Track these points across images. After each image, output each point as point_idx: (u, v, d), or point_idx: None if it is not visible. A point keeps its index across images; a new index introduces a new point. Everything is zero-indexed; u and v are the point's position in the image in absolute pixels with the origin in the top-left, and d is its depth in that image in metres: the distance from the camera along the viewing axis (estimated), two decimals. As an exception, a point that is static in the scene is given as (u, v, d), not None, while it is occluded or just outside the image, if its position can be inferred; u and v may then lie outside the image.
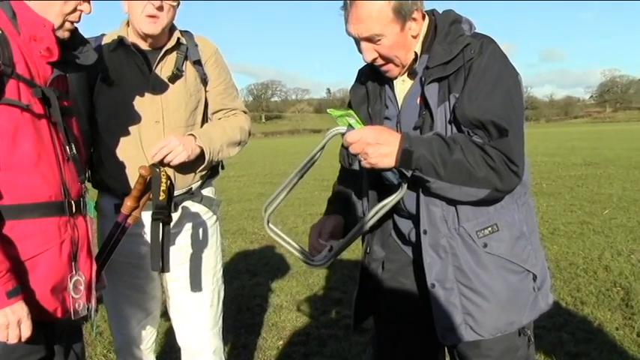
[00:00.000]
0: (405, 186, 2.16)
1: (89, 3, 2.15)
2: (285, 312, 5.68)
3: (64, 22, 2.10)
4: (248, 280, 6.72)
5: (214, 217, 3.14)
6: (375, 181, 2.35)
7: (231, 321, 5.15)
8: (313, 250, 2.41)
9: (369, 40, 2.19)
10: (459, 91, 2.12)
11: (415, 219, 2.28)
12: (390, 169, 2.13)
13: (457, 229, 2.19)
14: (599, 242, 7.85)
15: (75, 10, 2.11)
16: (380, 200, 2.28)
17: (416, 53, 2.26)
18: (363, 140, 2.05)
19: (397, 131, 2.27)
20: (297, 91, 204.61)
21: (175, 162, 2.78)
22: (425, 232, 2.23)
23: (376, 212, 2.25)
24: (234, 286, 6.41)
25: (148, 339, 3.15)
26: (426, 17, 2.29)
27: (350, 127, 2.09)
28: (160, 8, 2.74)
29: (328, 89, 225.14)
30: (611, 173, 16.58)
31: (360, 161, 2.14)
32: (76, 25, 2.16)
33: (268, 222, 2.40)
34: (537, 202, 11.33)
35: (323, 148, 2.21)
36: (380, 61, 2.26)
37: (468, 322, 2.22)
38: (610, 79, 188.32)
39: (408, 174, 2.12)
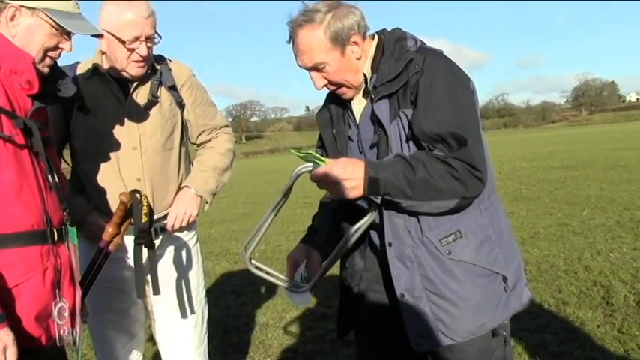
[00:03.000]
0: (374, 209, 2.24)
1: (71, 42, 2.22)
2: (272, 330, 5.70)
3: (44, 57, 2.17)
4: (233, 301, 6.74)
5: (194, 237, 3.20)
6: (349, 205, 2.41)
7: (217, 341, 5.18)
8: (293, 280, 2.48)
9: (315, 68, 2.31)
10: (408, 107, 2.20)
11: (381, 231, 2.34)
12: (360, 198, 2.20)
13: (421, 238, 2.26)
14: (579, 243, 7.95)
15: (57, 47, 2.19)
16: (353, 222, 2.34)
17: (365, 74, 2.35)
18: (329, 177, 2.13)
19: (360, 150, 2.38)
20: (276, 110, 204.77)
21: (185, 223, 3.00)
22: (390, 244, 2.30)
23: (351, 236, 2.31)
24: (220, 307, 6.44)
25: None
26: (375, 38, 2.38)
27: (315, 164, 2.17)
28: (148, 55, 2.82)
29: (307, 107, 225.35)
30: (588, 175, 16.75)
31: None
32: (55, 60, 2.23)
33: (250, 259, 2.47)
34: (517, 207, 11.47)
35: (291, 188, 2.29)
36: (331, 87, 2.37)
37: (439, 328, 2.27)
38: (584, 83, 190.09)
39: (378, 200, 2.19)
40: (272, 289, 7.16)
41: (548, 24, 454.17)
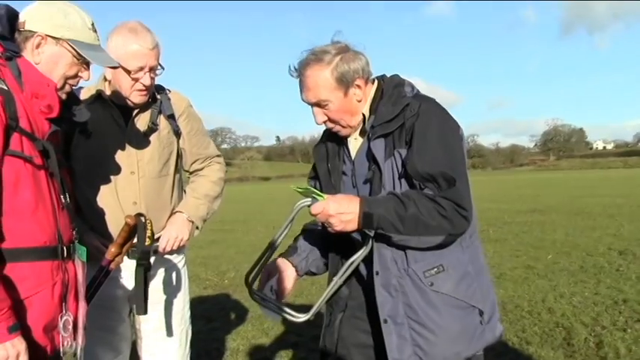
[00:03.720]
0: (370, 242, 2.42)
1: (89, 71, 2.38)
2: (242, 355, 5.81)
3: (64, 85, 2.31)
4: (204, 325, 6.80)
5: (183, 259, 3.34)
6: (342, 237, 2.57)
7: (190, 365, 5.26)
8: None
9: (318, 105, 2.50)
10: (402, 147, 2.40)
11: (369, 261, 2.50)
12: (355, 231, 2.39)
13: (406, 269, 2.43)
14: (543, 286, 8.17)
15: (76, 75, 2.34)
16: (345, 254, 2.55)
17: (364, 115, 2.54)
18: (326, 212, 2.32)
19: (353, 185, 2.57)
20: (247, 139, 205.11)
21: (177, 246, 3.16)
22: (377, 272, 2.46)
23: (347, 268, 2.51)
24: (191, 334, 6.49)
25: None
26: (375, 82, 2.59)
27: (314, 199, 2.36)
28: (150, 84, 2.98)
29: (278, 137, 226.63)
30: (554, 219, 17.15)
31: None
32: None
33: (253, 292, 2.64)
34: (484, 247, 11.58)
35: (292, 220, 2.47)
36: (330, 124, 2.55)
37: (417, 354, 2.43)
38: (553, 128, 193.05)
39: (371, 233, 2.37)
40: (242, 316, 7.27)
41: (521, 69, 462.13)
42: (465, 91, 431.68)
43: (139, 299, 2.82)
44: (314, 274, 2.83)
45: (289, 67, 2.53)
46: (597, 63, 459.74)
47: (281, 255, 2.79)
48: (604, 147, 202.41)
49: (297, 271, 2.75)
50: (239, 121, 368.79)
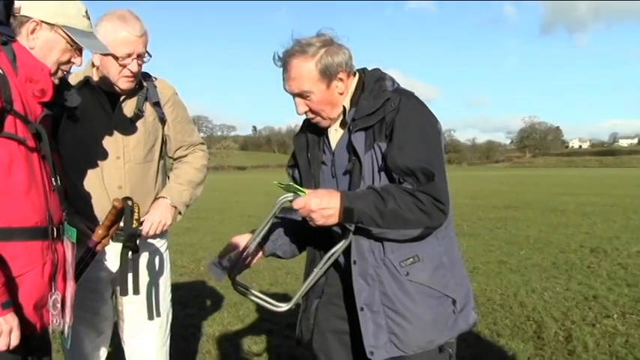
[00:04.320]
0: (350, 235, 2.48)
1: (81, 57, 2.43)
2: (218, 341, 5.86)
3: (57, 70, 2.36)
4: (180, 311, 6.81)
5: (166, 244, 3.41)
6: (322, 229, 2.60)
7: (165, 349, 5.31)
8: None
9: (300, 95, 2.56)
10: (382, 141, 2.46)
11: (347, 250, 2.57)
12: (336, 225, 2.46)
13: (383, 259, 2.50)
14: (515, 280, 8.33)
15: (69, 61, 2.38)
16: (324, 246, 2.62)
17: (344, 107, 2.60)
18: (308, 207, 2.38)
19: (332, 175, 2.64)
20: (223, 128, 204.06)
21: (160, 231, 3.23)
22: (355, 262, 2.54)
23: (327, 260, 2.58)
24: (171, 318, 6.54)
25: (100, 358, 3.35)
26: (357, 75, 2.65)
27: (296, 194, 2.42)
28: (138, 71, 3.03)
29: (254, 127, 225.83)
30: (528, 216, 17.41)
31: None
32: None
33: (236, 284, 2.70)
34: (459, 242, 11.78)
35: (274, 215, 2.54)
36: (310, 115, 2.61)
37: (392, 341, 2.51)
38: (530, 126, 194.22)
39: (352, 227, 2.44)
40: (218, 302, 7.33)
41: (500, 66, 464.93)
42: (444, 85, 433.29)
43: (124, 281, 2.88)
44: (279, 257, 2.87)
45: (274, 55, 2.58)
46: (576, 62, 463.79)
47: (251, 231, 2.81)
48: (580, 146, 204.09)
49: (262, 250, 2.80)
50: (216, 110, 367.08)
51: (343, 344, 2.74)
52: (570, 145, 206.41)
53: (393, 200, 2.35)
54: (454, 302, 2.55)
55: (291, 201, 2.43)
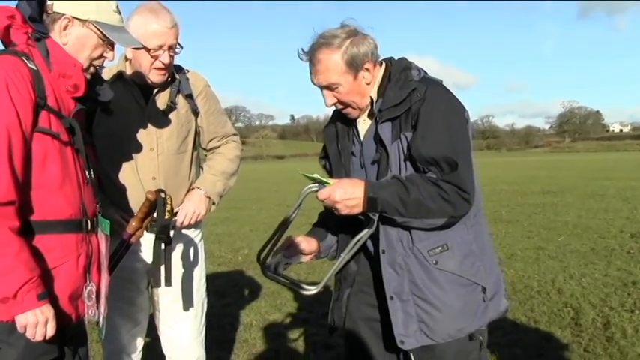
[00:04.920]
0: (375, 222, 2.50)
1: (114, 52, 2.48)
2: (255, 330, 5.92)
3: (90, 65, 2.41)
4: (217, 301, 6.89)
5: (200, 234, 3.46)
6: (350, 217, 2.64)
7: (203, 338, 5.39)
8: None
9: (329, 88, 2.57)
10: (409, 131, 2.47)
11: (376, 239, 2.60)
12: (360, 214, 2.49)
13: (411, 248, 2.52)
14: (554, 266, 8.25)
15: (101, 56, 2.43)
16: (352, 232, 2.64)
17: (372, 97, 2.61)
18: (332, 198, 2.43)
19: (361, 165, 2.67)
20: (261, 117, 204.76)
21: (194, 221, 3.27)
22: (384, 251, 2.56)
23: (353, 246, 2.61)
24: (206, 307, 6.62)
25: (136, 347, 3.42)
26: (383, 65, 2.65)
27: (321, 185, 2.46)
28: (169, 63, 3.07)
29: (292, 116, 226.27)
30: (567, 202, 17.17)
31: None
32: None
33: (265, 269, 2.74)
34: (496, 228, 11.74)
35: (300, 205, 2.59)
36: (339, 106, 2.63)
37: (422, 329, 2.52)
38: (569, 110, 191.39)
39: (376, 216, 2.46)
40: (255, 292, 7.39)
41: (538, 50, 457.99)
42: (481, 72, 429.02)
43: (157, 272, 2.94)
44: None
45: (298, 51, 2.59)
46: (615, 45, 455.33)
47: (310, 234, 2.90)
48: (620, 130, 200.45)
49: (319, 251, 2.86)
50: (253, 99, 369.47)
51: (374, 332, 2.77)
52: (611, 129, 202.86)
53: (417, 190, 2.37)
54: (484, 290, 2.56)
55: (316, 191, 2.47)
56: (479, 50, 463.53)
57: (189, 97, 3.26)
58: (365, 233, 2.54)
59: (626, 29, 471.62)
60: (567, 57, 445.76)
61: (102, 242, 2.49)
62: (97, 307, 2.47)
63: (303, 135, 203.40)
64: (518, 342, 5.22)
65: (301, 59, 2.60)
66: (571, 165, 46.59)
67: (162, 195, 2.80)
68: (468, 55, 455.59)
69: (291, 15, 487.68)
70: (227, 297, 7.19)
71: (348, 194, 2.41)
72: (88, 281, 2.41)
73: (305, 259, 2.85)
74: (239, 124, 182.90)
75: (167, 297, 3.35)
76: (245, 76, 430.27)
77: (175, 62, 3.19)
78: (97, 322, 2.51)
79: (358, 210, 2.44)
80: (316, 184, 2.48)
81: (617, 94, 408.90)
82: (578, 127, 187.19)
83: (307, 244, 2.82)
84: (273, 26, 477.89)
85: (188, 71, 3.32)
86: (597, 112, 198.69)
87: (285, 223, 2.67)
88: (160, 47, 3.00)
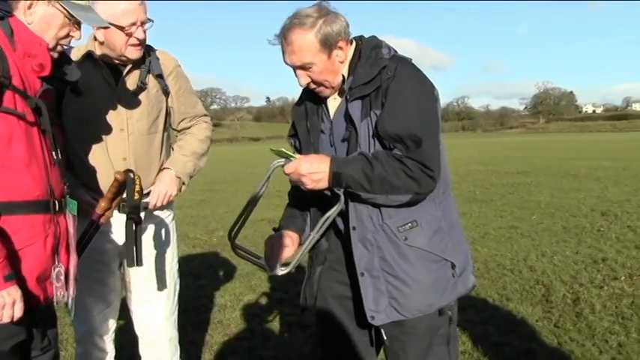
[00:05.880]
0: (342, 199, 2.52)
1: (80, 31, 2.44)
2: (230, 311, 5.94)
3: (56, 45, 2.38)
4: (192, 283, 6.90)
5: (172, 215, 3.46)
6: (318, 193, 2.68)
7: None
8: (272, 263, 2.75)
9: (302, 67, 2.56)
10: (378, 108, 2.48)
11: (346, 217, 2.62)
12: (326, 189, 2.51)
13: (381, 225, 2.54)
14: (526, 245, 8.37)
15: (68, 35, 2.40)
16: (323, 210, 2.65)
17: (343, 75, 2.61)
18: (298, 171, 2.45)
19: (331, 143, 2.67)
20: (237, 99, 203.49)
21: (165, 202, 3.27)
22: (354, 228, 2.58)
23: (321, 225, 2.62)
24: (179, 288, 6.63)
25: (108, 329, 3.42)
26: (354, 43, 2.65)
27: (287, 159, 2.49)
28: (144, 38, 3.06)
29: (268, 97, 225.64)
30: (540, 181, 17.36)
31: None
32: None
33: (235, 246, 2.74)
34: (470, 208, 11.86)
35: (269, 179, 2.61)
36: (313, 85, 2.62)
37: (392, 305, 2.55)
38: (543, 91, 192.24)
39: (341, 191, 2.48)
40: (230, 273, 7.41)
41: (511, 31, 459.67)
42: (457, 53, 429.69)
43: (130, 252, 2.93)
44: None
45: (269, 37, 2.60)
46: (589, 26, 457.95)
47: (287, 227, 2.88)
48: (593, 110, 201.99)
49: (300, 238, 2.86)
50: (229, 81, 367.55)
51: (346, 309, 2.79)
52: (584, 110, 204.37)
53: (381, 166, 2.39)
54: (453, 266, 2.59)
55: (283, 166, 2.48)
56: (455, 31, 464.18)
57: (159, 77, 3.25)
58: (333, 211, 2.56)
59: (600, 10, 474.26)
60: (542, 38, 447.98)
61: (70, 223, 2.47)
62: (66, 289, 2.45)
63: (279, 117, 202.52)
64: (490, 319, 5.30)
65: (272, 44, 2.59)
66: (545, 145, 46.92)
67: (131, 175, 2.79)
68: (444, 37, 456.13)
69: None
70: (202, 279, 7.19)
71: (313, 168, 2.43)
72: (56, 262, 2.39)
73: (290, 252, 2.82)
74: (214, 106, 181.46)
75: (139, 277, 3.35)
76: (221, 58, 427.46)
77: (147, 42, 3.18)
78: (66, 304, 2.50)
79: (323, 184, 2.45)
80: (283, 160, 2.50)
81: (590, 75, 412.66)
82: (552, 108, 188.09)
83: (290, 243, 2.80)
84: (250, 6, 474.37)
85: (158, 50, 3.30)
86: (571, 92, 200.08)
87: (254, 200, 2.68)
88: (133, 24, 3.00)
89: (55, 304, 2.46)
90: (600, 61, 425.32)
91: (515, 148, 43.14)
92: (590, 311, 5.37)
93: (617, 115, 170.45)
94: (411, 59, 2.62)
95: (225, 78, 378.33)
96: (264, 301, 6.24)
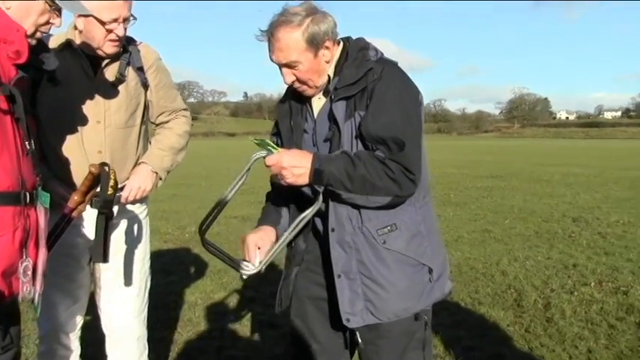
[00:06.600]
0: (320, 198, 2.48)
1: (60, 18, 2.34)
2: (200, 309, 5.88)
3: (35, 32, 2.28)
4: (162, 279, 6.82)
5: (146, 210, 3.40)
6: (297, 193, 2.66)
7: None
8: (248, 260, 2.66)
9: (288, 66, 2.52)
10: (363, 109, 2.45)
11: (325, 218, 2.58)
12: (305, 186, 2.46)
13: (360, 227, 2.52)
14: (499, 249, 8.42)
15: (48, 22, 2.30)
16: (301, 210, 2.60)
17: (329, 75, 2.58)
18: (279, 164, 2.40)
19: (314, 143, 2.63)
20: (214, 93, 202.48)
21: (139, 197, 3.19)
22: (333, 229, 2.55)
23: (297, 224, 2.56)
24: (150, 285, 6.55)
25: (75, 326, 3.31)
26: (341, 43, 2.62)
27: (269, 151, 2.43)
28: (124, 35, 2.99)
29: (245, 93, 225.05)
30: (514, 186, 17.54)
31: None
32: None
33: (205, 241, 2.65)
34: (444, 211, 11.88)
35: (248, 170, 2.54)
36: (297, 84, 2.58)
37: (368, 308, 2.53)
38: (519, 97, 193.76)
39: (321, 189, 2.44)
40: (201, 270, 7.34)
41: (492, 37, 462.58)
42: (436, 56, 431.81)
43: (98, 247, 2.85)
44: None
45: (256, 32, 2.54)
46: (566, 34, 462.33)
47: (263, 223, 2.81)
48: (567, 117, 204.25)
49: (277, 237, 2.78)
50: (207, 75, 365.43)
51: (321, 310, 2.75)
52: (558, 116, 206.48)
53: (363, 166, 2.36)
54: (430, 271, 2.57)
55: (264, 157, 2.43)
56: (435, 35, 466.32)
57: (139, 70, 3.18)
58: (310, 210, 2.51)
59: (577, 18, 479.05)
60: (520, 44, 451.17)
61: (41, 216, 2.37)
62: (33, 284, 2.37)
63: (256, 113, 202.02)
64: (462, 323, 5.30)
65: (260, 40, 2.55)
66: (519, 150, 47.35)
67: (106, 168, 2.72)
68: (424, 39, 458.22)
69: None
70: (172, 275, 7.12)
71: (295, 162, 2.39)
72: (24, 257, 2.29)
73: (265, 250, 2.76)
74: (191, 100, 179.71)
75: (109, 273, 3.27)
76: (199, 51, 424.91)
77: (128, 33, 3.11)
78: (32, 300, 2.42)
79: (304, 180, 2.41)
80: (264, 151, 2.44)
81: (565, 82, 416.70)
82: (526, 114, 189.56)
83: (266, 236, 2.71)
84: (230, 2, 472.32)
85: (140, 43, 3.24)
86: (546, 99, 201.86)
87: (231, 191, 2.59)
88: (115, 20, 2.91)
89: (19, 299, 2.36)
90: (575, 70, 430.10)
91: (490, 152, 43.51)
92: (561, 317, 5.41)
93: (589, 123, 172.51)
94: (396, 62, 2.60)
95: (203, 71, 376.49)
96: (235, 299, 6.18)
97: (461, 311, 5.66)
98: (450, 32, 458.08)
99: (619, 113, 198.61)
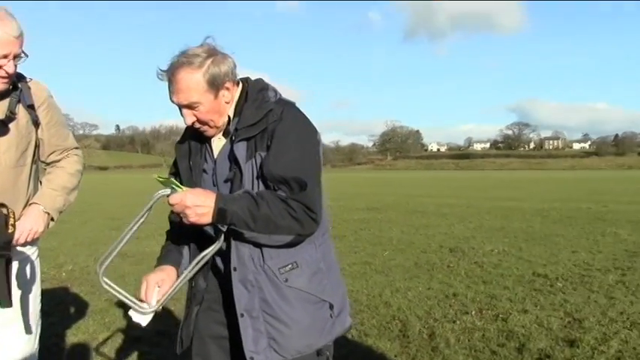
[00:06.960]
0: (222, 237, 2.49)
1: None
2: (83, 351, 5.69)
3: None
4: (43, 321, 6.53)
5: (37, 252, 3.29)
6: (197, 232, 2.65)
7: (28, 361, 5.09)
8: (146, 299, 2.62)
9: (189, 107, 2.54)
10: (263, 150, 2.50)
11: (226, 257, 2.60)
12: (208, 225, 2.47)
13: (262, 266, 2.55)
14: (380, 281, 8.60)
15: None
16: (201, 249, 2.59)
17: (229, 116, 2.62)
18: (183, 203, 2.38)
19: (214, 183, 2.65)
20: (85, 126, 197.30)
21: (31, 239, 3.10)
22: (235, 269, 2.57)
23: (197, 263, 2.55)
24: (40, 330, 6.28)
25: None
26: (240, 84, 2.68)
27: (173, 189, 2.43)
28: (14, 72, 2.92)
29: (117, 126, 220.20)
30: (391, 218, 18.01)
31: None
32: None
33: (103, 277, 2.58)
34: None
35: (150, 209, 2.50)
36: (198, 124, 2.60)
37: (272, 346, 2.56)
38: (391, 129, 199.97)
39: (224, 228, 2.45)
40: (82, 310, 7.10)
41: (365, 70, 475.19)
42: (311, 88, 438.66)
43: (3, 290, 2.74)
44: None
45: (157, 70, 2.55)
46: (435, 69, 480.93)
47: (163, 262, 2.77)
48: (438, 149, 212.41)
49: (177, 274, 2.76)
50: (78, 107, 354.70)
51: (223, 349, 2.76)
52: (429, 148, 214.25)
53: (266, 205, 2.40)
54: (331, 307, 2.64)
55: (167, 196, 2.42)
56: (310, 67, 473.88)
57: (30, 107, 3.11)
58: (210, 249, 2.51)
59: (445, 54, 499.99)
60: (392, 77, 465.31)
61: None
62: None
63: (128, 146, 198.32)
64: (349, 355, 5.38)
65: (160, 79, 2.56)
66: (393, 182, 48.71)
67: (5, 210, 2.63)
68: (299, 72, 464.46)
69: (122, 20, 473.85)
70: (52, 316, 6.82)
71: (199, 201, 2.38)
72: None
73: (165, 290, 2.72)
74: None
75: (1, 318, 3.14)
76: (69, 83, 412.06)
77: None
78: None
79: (207, 219, 2.41)
80: (168, 189, 2.43)
81: (435, 115, 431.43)
82: (399, 146, 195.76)
83: (167, 277, 2.68)
84: (100, 32, 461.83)
85: (30, 80, 3.16)
86: (417, 131, 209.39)
87: (131, 229, 2.55)
88: (5, 57, 2.85)
89: None
90: (445, 103, 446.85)
91: (365, 184, 44.51)
92: (446, 345, 5.59)
93: (459, 154, 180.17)
94: (294, 103, 2.67)
95: (74, 104, 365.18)
96: (119, 339, 6.00)
97: (348, 343, 5.74)
98: (325, 64, 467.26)
99: (488, 145, 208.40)
